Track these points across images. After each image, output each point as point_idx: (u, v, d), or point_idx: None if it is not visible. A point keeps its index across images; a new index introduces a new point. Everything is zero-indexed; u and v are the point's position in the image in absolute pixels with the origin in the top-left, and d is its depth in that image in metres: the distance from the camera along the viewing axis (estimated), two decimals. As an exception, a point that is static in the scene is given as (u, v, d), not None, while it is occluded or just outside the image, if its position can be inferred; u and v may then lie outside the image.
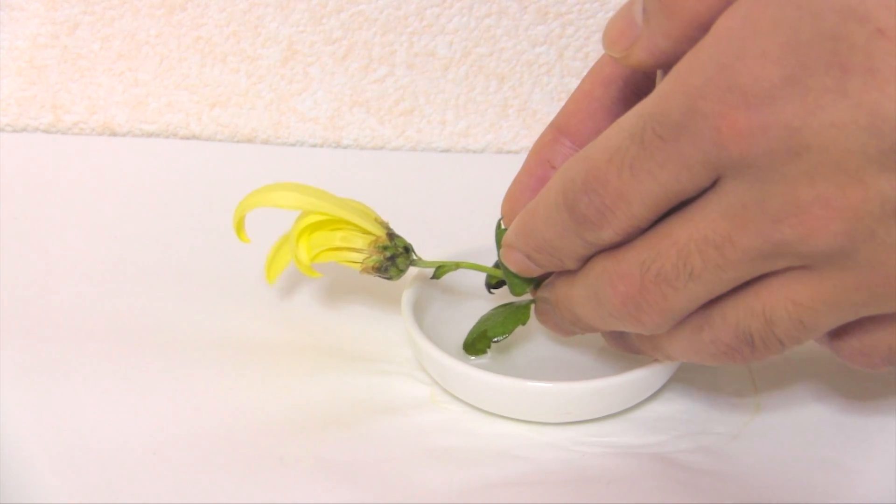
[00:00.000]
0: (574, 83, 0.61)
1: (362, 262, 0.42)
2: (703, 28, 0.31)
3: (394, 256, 0.42)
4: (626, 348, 0.40)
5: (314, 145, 0.62)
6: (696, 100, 0.30)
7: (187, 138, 0.62)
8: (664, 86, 0.31)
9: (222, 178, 0.58)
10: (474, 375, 0.41)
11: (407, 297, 0.44)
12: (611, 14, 0.60)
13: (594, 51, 0.60)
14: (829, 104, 0.29)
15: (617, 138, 0.32)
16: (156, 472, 0.38)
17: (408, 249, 0.43)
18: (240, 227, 0.44)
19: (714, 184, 0.31)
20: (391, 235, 0.42)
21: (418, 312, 0.44)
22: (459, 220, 0.55)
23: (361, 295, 0.50)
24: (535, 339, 0.45)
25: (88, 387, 0.42)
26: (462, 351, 0.43)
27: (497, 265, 0.42)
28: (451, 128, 0.62)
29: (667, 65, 0.33)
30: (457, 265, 0.43)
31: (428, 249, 0.45)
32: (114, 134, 0.61)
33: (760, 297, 0.33)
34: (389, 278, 0.43)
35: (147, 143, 0.61)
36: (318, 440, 0.40)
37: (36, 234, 0.53)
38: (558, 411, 0.41)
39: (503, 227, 0.41)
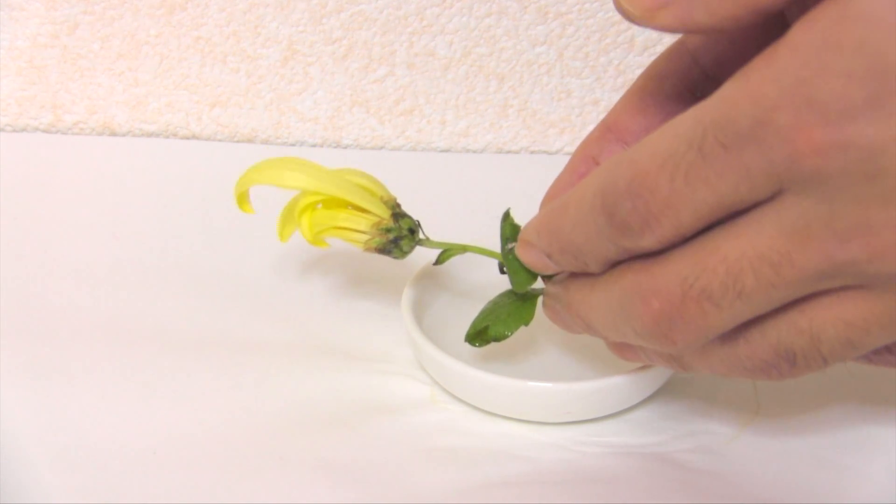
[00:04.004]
0: (574, 83, 0.61)
1: (364, 243, 0.41)
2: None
3: (397, 239, 0.41)
4: (629, 356, 0.38)
5: (314, 145, 0.62)
6: (769, 111, 0.29)
7: (187, 138, 0.62)
8: (729, 91, 0.30)
9: (222, 178, 0.58)
10: (474, 375, 0.41)
11: (407, 297, 0.44)
12: (611, 14, 0.60)
13: (594, 51, 0.60)
14: None
15: (671, 143, 0.31)
16: (156, 471, 0.38)
17: (413, 231, 0.41)
18: (241, 201, 0.42)
19: (771, 198, 0.30)
20: (396, 216, 0.41)
21: (418, 312, 0.44)
22: (459, 220, 0.55)
23: (362, 294, 0.50)
24: (535, 339, 0.45)
25: (88, 386, 0.42)
26: (462, 351, 0.43)
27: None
28: (451, 128, 0.62)
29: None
30: (464, 248, 0.42)
31: (427, 248, 0.45)
32: (114, 134, 0.61)
33: (806, 314, 0.31)
34: (395, 258, 0.41)
35: (147, 143, 0.61)
36: (318, 440, 0.40)
37: (36, 234, 0.53)
38: (558, 411, 0.41)
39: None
